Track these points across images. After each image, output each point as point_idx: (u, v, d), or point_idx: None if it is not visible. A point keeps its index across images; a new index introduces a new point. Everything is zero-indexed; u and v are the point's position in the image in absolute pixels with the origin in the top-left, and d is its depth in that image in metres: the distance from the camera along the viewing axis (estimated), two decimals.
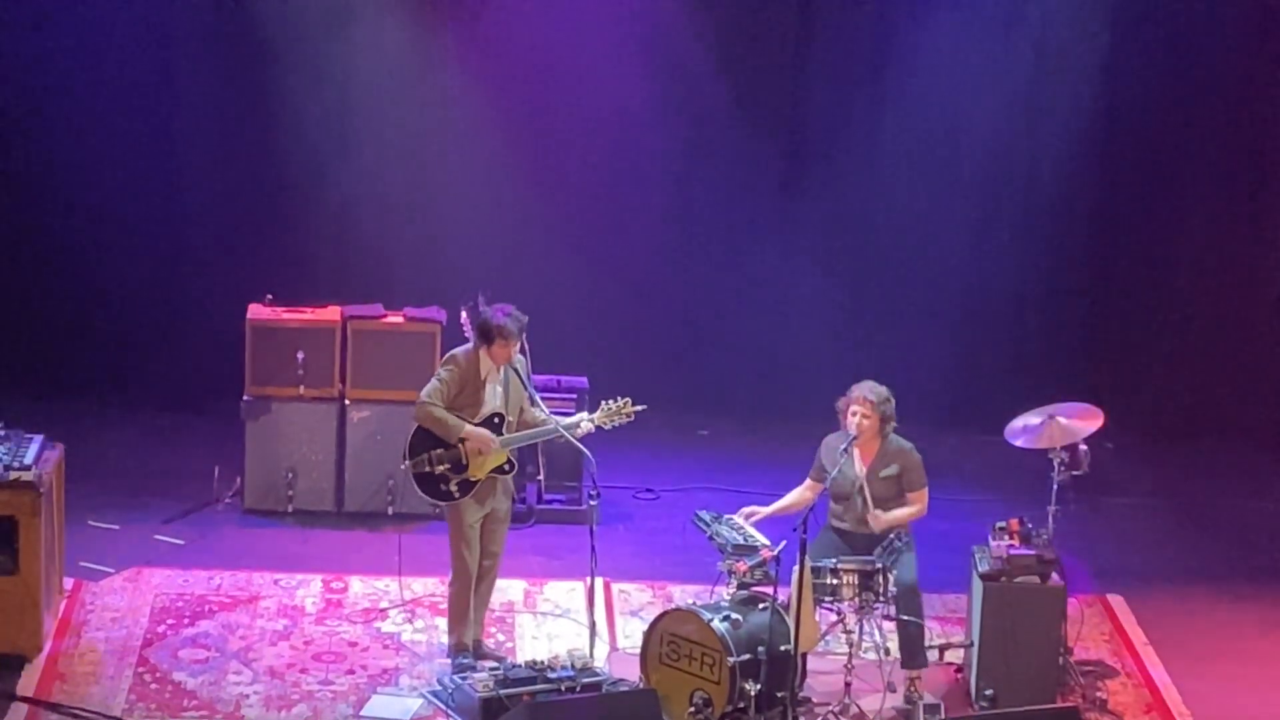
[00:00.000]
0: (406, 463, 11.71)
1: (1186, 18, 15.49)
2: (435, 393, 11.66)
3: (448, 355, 11.85)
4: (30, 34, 15.14)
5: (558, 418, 11.89)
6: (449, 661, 11.84)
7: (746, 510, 11.85)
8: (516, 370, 11.77)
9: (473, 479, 11.70)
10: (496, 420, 11.73)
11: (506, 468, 11.79)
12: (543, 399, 12.11)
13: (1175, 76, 15.63)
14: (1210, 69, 15.62)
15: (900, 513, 11.68)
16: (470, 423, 11.65)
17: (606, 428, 11.88)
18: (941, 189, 15.79)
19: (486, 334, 11.66)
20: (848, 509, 11.76)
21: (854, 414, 11.66)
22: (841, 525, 11.80)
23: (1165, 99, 15.67)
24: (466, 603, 11.84)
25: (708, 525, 11.71)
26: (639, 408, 11.88)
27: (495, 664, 11.56)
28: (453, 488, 11.70)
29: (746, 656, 11.09)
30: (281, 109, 15.31)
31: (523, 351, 11.84)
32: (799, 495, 11.86)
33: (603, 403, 11.94)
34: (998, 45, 15.52)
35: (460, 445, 11.65)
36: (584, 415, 11.92)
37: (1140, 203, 15.93)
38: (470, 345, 11.79)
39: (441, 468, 11.68)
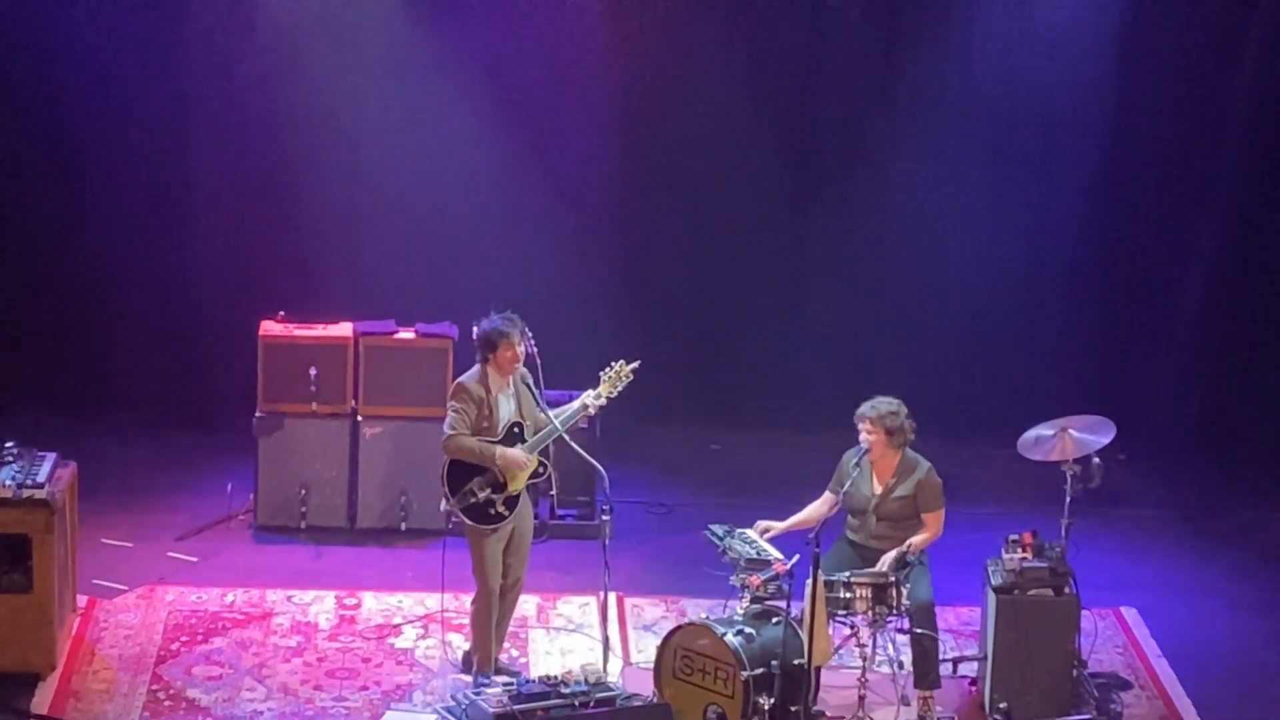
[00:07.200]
0: (451, 501, 11.69)
1: (1201, 20, 15.46)
2: (458, 423, 11.63)
3: (454, 386, 11.80)
4: (40, 50, 15.15)
5: (569, 405, 11.81)
6: (462, 676, 11.85)
7: (762, 525, 11.83)
8: (525, 380, 11.78)
9: (514, 493, 11.73)
10: (516, 430, 11.74)
11: (540, 471, 11.81)
12: (555, 414, 12.06)
13: (1189, 84, 15.61)
14: (1227, 74, 15.59)
15: (912, 540, 11.62)
16: (494, 441, 11.67)
17: (614, 395, 11.85)
18: (953, 199, 15.78)
19: (490, 344, 11.66)
20: (864, 523, 11.76)
21: (860, 429, 11.69)
22: (856, 539, 11.80)
23: (1179, 107, 15.65)
24: (490, 622, 11.85)
25: (720, 539, 11.70)
26: (634, 364, 11.85)
27: (509, 680, 11.54)
28: (500, 508, 11.70)
29: (760, 670, 11.09)
30: (294, 127, 15.31)
31: (530, 363, 11.82)
32: (816, 509, 11.84)
33: (600, 374, 11.89)
34: (1006, 53, 15.51)
35: (495, 466, 11.67)
36: (589, 393, 11.83)
37: (1153, 212, 15.89)
38: (474, 368, 11.77)
39: (484, 494, 11.66)
